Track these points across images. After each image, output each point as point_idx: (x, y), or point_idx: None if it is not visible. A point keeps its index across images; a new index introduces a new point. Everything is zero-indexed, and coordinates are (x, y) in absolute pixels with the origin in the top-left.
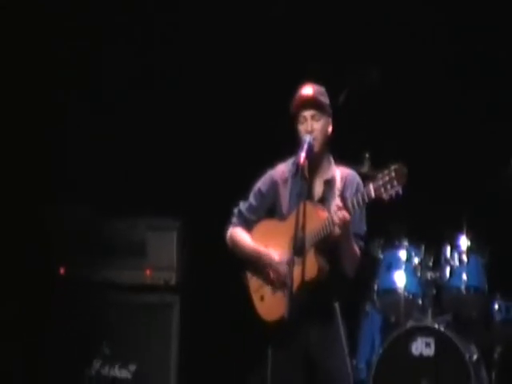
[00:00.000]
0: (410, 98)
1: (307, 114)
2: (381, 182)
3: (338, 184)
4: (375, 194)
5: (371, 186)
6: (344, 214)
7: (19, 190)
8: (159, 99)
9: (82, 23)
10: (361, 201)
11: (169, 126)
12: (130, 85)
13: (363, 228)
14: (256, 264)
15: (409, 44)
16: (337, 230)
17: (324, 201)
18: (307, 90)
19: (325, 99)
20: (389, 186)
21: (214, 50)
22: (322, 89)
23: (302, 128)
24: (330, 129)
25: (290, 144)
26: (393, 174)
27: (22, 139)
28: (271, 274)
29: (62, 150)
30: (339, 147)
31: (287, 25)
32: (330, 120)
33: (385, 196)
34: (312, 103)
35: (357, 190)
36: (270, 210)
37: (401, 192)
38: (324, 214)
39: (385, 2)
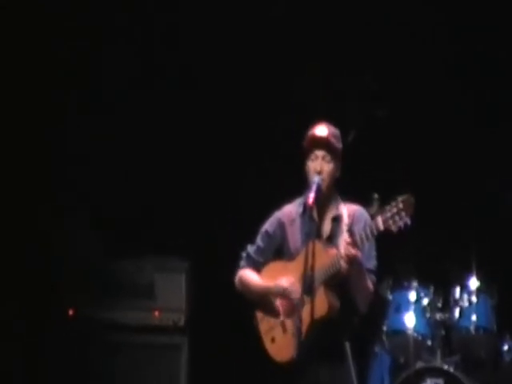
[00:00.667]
0: (417, 137)
1: (319, 153)
2: (389, 214)
3: (346, 220)
4: (384, 226)
5: (379, 219)
6: (352, 249)
7: (30, 225)
8: (171, 132)
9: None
10: (369, 234)
11: (178, 166)
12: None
13: (373, 262)
14: (266, 304)
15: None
16: (345, 266)
17: (332, 238)
18: (322, 131)
19: (338, 143)
20: (397, 218)
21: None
22: (336, 131)
23: (311, 165)
24: (338, 172)
25: (298, 184)
26: (401, 206)
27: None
28: (281, 306)
29: (72, 192)
30: (348, 188)
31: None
32: (340, 164)
33: (393, 228)
34: (325, 144)
35: (365, 225)
36: (277, 251)
37: (409, 223)
38: (333, 252)
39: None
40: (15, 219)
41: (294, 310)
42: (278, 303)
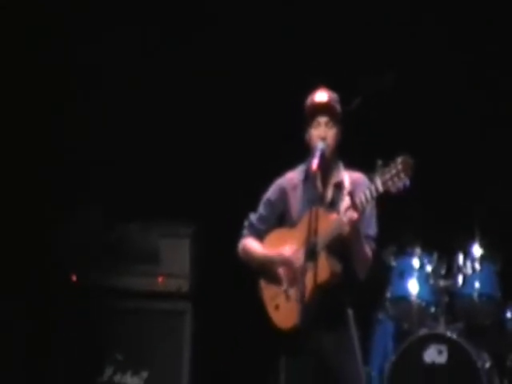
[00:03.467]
0: (423, 102)
1: (321, 120)
2: (388, 176)
3: (348, 186)
4: (383, 188)
5: (378, 180)
6: (353, 212)
7: (32, 195)
8: (172, 104)
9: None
10: (369, 196)
11: (183, 135)
12: (139, 89)
13: (374, 229)
14: (269, 272)
15: (422, 50)
16: (347, 230)
17: (334, 204)
18: (322, 96)
19: (338, 107)
20: (396, 179)
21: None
22: (336, 96)
23: (315, 133)
24: (341, 137)
25: (300, 151)
26: (399, 167)
27: (31, 139)
28: (284, 275)
29: (74, 156)
30: (352, 154)
31: (298, 27)
32: (342, 128)
33: (393, 189)
34: (327, 110)
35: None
36: (279, 218)
37: (408, 184)
38: (334, 216)
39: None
40: (26, 225)
41: (296, 277)
42: (281, 272)
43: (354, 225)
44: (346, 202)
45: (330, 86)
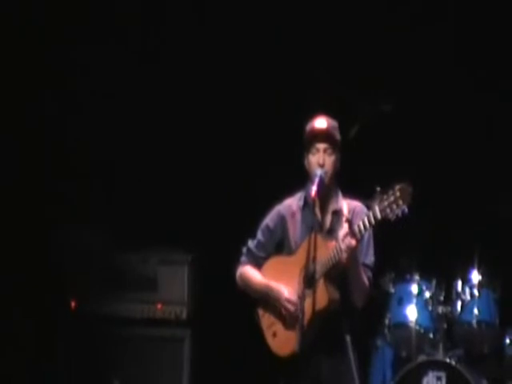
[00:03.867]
0: (421, 130)
1: (320, 146)
2: (386, 203)
3: (346, 214)
4: (381, 215)
5: (377, 207)
6: (351, 240)
7: (31, 218)
8: (168, 127)
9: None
10: (367, 223)
11: (182, 160)
12: (140, 109)
13: (371, 258)
14: (267, 300)
15: (420, 77)
16: (345, 257)
17: (332, 231)
18: (321, 123)
19: (337, 135)
20: (394, 206)
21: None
22: (335, 123)
23: (313, 159)
24: (339, 164)
25: (300, 178)
26: (398, 194)
27: (33, 167)
28: (282, 310)
29: (73, 185)
30: (350, 182)
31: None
32: (340, 156)
33: (391, 216)
34: (326, 137)
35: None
36: (278, 245)
37: (406, 211)
38: (332, 244)
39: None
40: (26, 248)
41: (294, 316)
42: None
43: (352, 252)
44: (344, 229)
45: (330, 112)
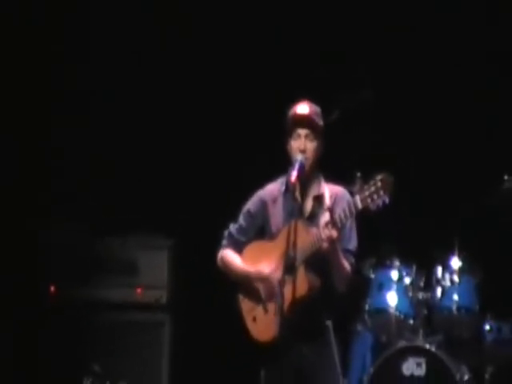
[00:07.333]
0: (401, 115)
1: (302, 132)
2: (367, 193)
3: (327, 200)
4: (362, 205)
5: (358, 197)
6: (331, 230)
7: (11, 205)
8: (154, 114)
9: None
10: (348, 213)
11: (163, 144)
12: (128, 97)
13: (354, 244)
14: (247, 285)
15: (400, 61)
16: (325, 245)
17: (313, 217)
18: (303, 109)
19: (319, 120)
20: (375, 196)
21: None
22: (317, 109)
23: (294, 145)
24: (321, 150)
25: (282, 164)
26: (379, 184)
27: (17, 152)
28: (262, 291)
29: (55, 167)
30: (331, 167)
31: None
32: (323, 142)
33: (372, 206)
34: (307, 122)
35: (345, 205)
36: (259, 230)
37: (387, 201)
38: (313, 231)
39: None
40: (5, 234)
41: (274, 294)
42: (259, 287)
43: (332, 241)
44: (325, 216)
45: (311, 99)
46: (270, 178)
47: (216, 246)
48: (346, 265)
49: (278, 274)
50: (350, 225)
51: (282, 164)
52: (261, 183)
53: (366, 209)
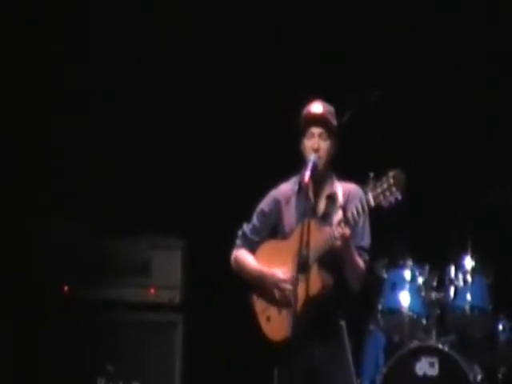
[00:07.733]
0: (415, 116)
1: (315, 131)
2: (379, 190)
3: (340, 198)
4: (375, 202)
5: (370, 194)
6: (344, 228)
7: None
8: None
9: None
10: (361, 210)
11: (177, 145)
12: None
13: (367, 241)
14: (261, 285)
15: (409, 62)
16: (338, 243)
17: (327, 216)
18: (317, 108)
19: (333, 120)
20: (388, 193)
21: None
22: (331, 108)
23: (308, 144)
24: (335, 150)
25: (295, 164)
26: (391, 181)
27: (23, 152)
28: (277, 294)
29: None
30: (344, 167)
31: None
32: (336, 141)
33: (384, 203)
34: (321, 121)
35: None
36: (273, 229)
37: (400, 198)
38: (326, 230)
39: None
40: (18, 236)
41: (288, 298)
42: (273, 287)
43: (345, 239)
44: (338, 215)
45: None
46: (283, 177)
47: (229, 246)
48: (360, 262)
49: (291, 274)
50: (364, 222)
51: (295, 163)
52: (274, 183)
53: (378, 206)
